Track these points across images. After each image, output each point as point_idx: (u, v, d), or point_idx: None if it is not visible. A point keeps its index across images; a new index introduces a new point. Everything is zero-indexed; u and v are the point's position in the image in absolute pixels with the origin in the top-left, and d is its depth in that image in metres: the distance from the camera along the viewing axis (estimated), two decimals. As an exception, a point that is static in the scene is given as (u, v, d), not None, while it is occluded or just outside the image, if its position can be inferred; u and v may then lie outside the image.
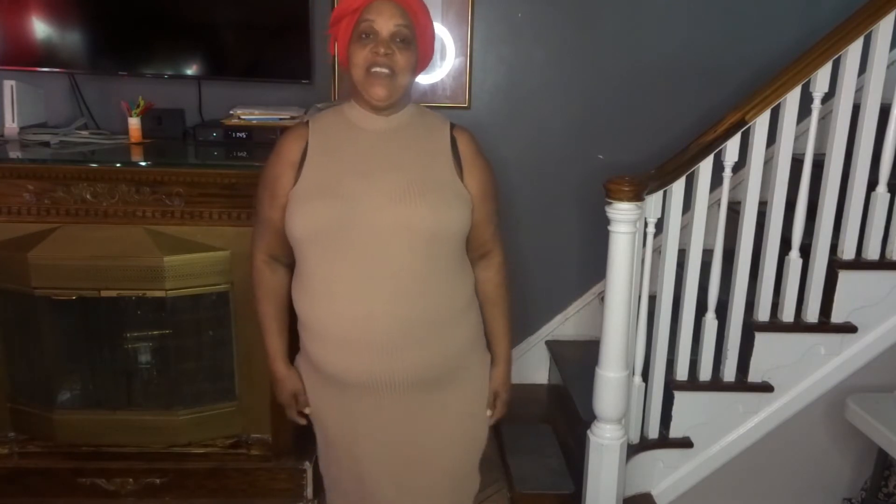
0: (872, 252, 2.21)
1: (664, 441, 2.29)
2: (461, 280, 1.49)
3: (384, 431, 1.48)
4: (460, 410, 1.53)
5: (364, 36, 1.36)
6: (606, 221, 1.98)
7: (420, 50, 1.41)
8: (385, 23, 1.36)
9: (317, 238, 1.38)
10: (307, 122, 1.48)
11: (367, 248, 1.36)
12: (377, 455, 1.51)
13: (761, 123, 2.10)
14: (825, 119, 2.19)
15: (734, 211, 2.22)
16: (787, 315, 2.24)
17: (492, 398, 1.60)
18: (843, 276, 2.22)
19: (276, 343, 1.56)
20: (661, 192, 2.09)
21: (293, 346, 1.58)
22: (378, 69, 1.37)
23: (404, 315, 1.38)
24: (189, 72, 2.56)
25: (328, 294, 1.40)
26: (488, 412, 1.59)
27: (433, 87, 2.68)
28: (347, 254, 1.37)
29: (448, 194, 1.42)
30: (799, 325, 2.25)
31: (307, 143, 1.44)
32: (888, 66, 2.13)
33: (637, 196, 1.94)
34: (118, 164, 2.14)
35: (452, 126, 1.50)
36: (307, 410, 1.55)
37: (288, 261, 1.52)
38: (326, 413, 1.54)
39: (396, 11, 1.36)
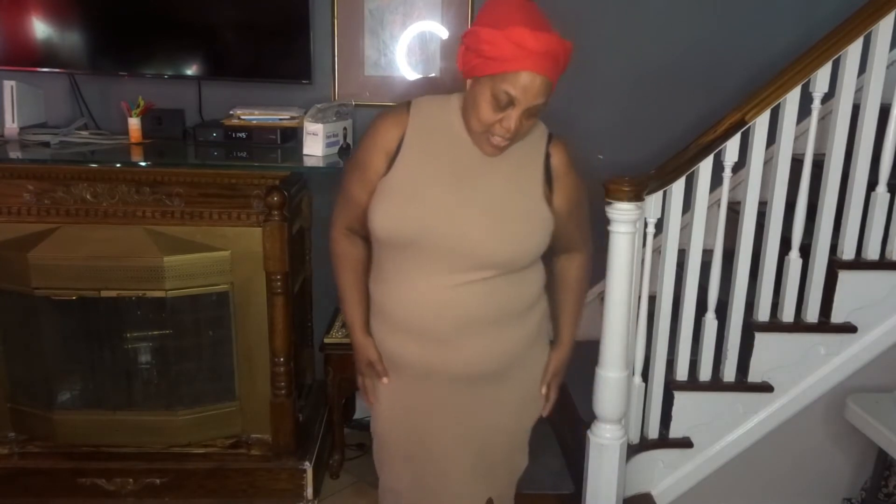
0: (872, 252, 2.21)
1: (664, 441, 2.29)
2: (530, 281, 1.49)
3: (437, 416, 1.53)
4: (512, 402, 1.56)
5: (498, 101, 1.28)
6: (606, 221, 1.98)
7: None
8: (527, 101, 1.28)
9: (394, 237, 1.40)
10: (408, 104, 1.44)
11: (439, 259, 1.38)
12: (428, 437, 1.55)
13: (761, 123, 2.10)
14: (825, 119, 2.19)
15: (734, 211, 2.22)
16: (787, 315, 2.24)
17: (549, 377, 1.62)
18: (843, 276, 2.22)
19: (355, 311, 1.56)
20: (661, 193, 2.09)
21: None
22: (500, 139, 1.33)
23: (467, 313, 1.41)
24: (189, 72, 2.56)
25: (397, 284, 1.43)
26: (543, 389, 1.61)
27: (433, 86, 2.68)
28: (420, 255, 1.39)
29: (530, 223, 1.41)
30: (799, 325, 2.25)
31: (404, 133, 1.40)
32: (888, 66, 2.13)
33: (637, 196, 1.94)
34: (118, 165, 2.14)
35: (550, 138, 1.46)
36: (385, 380, 1.55)
37: (367, 234, 1.51)
38: (386, 396, 1.57)
39: (542, 90, 1.27)
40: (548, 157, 1.44)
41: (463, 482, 1.58)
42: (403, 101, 1.45)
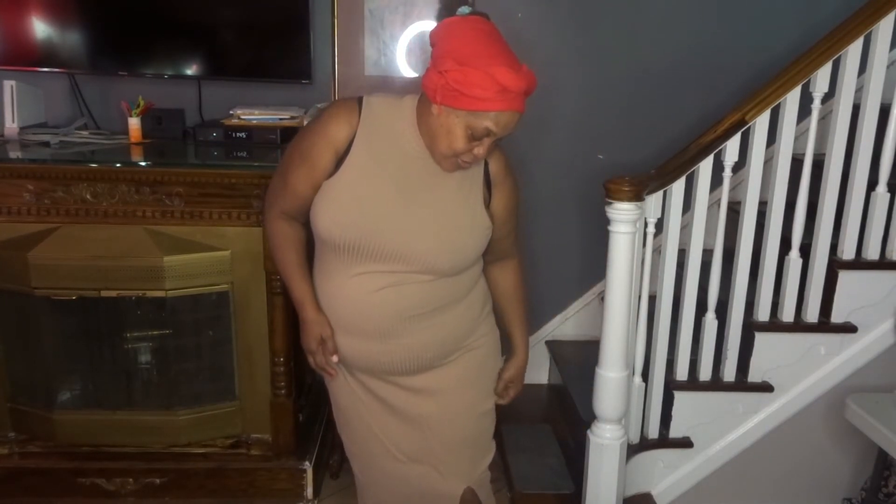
0: (872, 252, 2.21)
1: (664, 441, 2.29)
2: (465, 273, 1.52)
3: (388, 406, 1.56)
4: (462, 385, 1.57)
5: (475, 134, 1.33)
6: (606, 221, 1.98)
7: None
8: (503, 134, 1.35)
9: (338, 240, 1.42)
10: (360, 101, 1.43)
11: (380, 261, 1.42)
12: (382, 428, 1.58)
13: (761, 123, 2.10)
14: (825, 119, 2.19)
15: (734, 211, 2.22)
16: (787, 315, 2.24)
17: (502, 386, 1.66)
18: (843, 276, 2.22)
19: (302, 287, 1.53)
20: (661, 192, 2.09)
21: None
22: (466, 163, 1.39)
23: (408, 306, 1.45)
24: (189, 72, 2.56)
25: (337, 280, 1.46)
26: (497, 399, 1.66)
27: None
28: (361, 256, 1.42)
29: (472, 233, 1.47)
30: (799, 325, 2.25)
31: (355, 133, 1.40)
32: (888, 66, 2.13)
33: (637, 196, 1.94)
34: (118, 164, 2.14)
35: None
36: (335, 358, 1.53)
37: (304, 220, 1.52)
38: (339, 389, 1.61)
39: (517, 123, 1.35)
40: (486, 164, 1.48)
41: (434, 470, 1.59)
42: (354, 97, 1.45)
